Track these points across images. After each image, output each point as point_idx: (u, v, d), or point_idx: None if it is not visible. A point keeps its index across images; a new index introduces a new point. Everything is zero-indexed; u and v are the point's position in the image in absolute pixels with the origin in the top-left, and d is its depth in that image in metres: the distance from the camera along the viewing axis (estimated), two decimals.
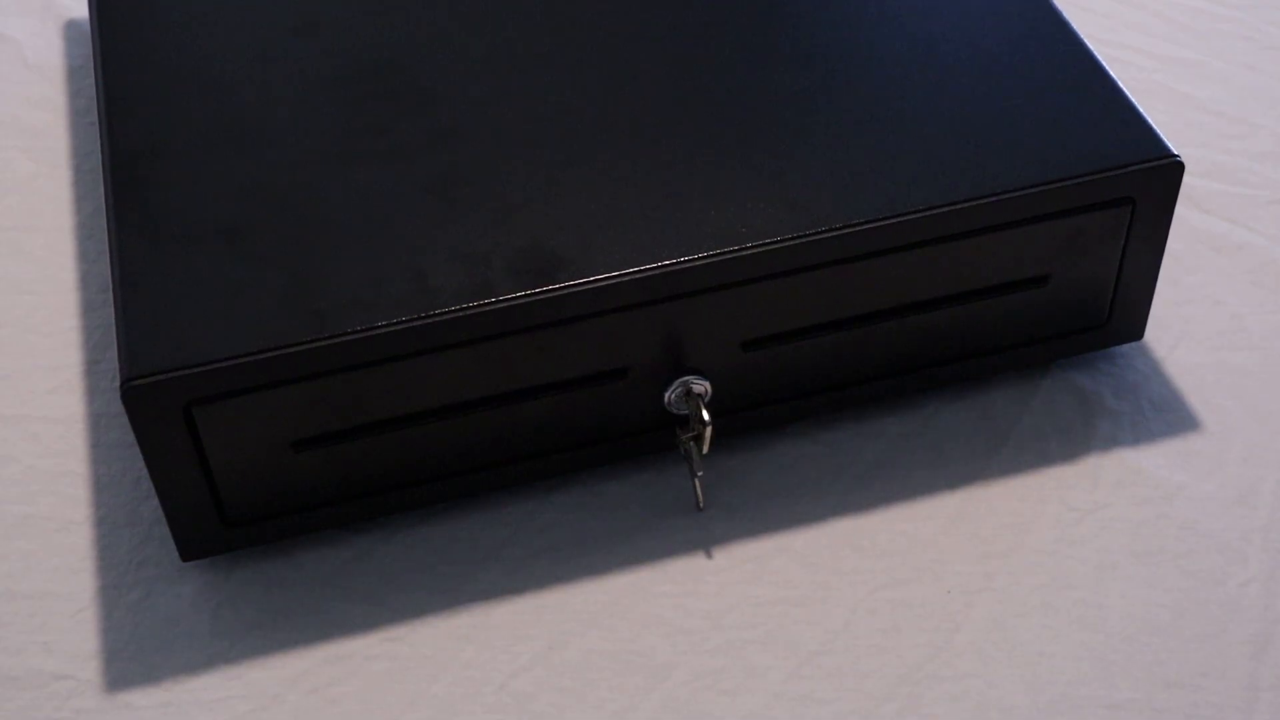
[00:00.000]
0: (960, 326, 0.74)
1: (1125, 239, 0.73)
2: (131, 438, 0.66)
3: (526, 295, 0.65)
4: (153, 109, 0.74)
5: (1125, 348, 0.80)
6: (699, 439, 0.71)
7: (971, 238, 0.70)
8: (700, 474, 0.72)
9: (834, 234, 0.68)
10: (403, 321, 0.65)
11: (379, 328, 0.64)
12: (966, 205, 0.69)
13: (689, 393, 0.71)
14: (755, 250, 0.67)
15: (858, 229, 0.68)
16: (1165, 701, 0.67)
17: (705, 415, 0.70)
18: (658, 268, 0.66)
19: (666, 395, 0.71)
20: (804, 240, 0.67)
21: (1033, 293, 0.74)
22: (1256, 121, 0.93)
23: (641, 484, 0.74)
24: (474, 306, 0.65)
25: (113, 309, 0.66)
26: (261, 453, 0.67)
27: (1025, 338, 0.76)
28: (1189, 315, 0.82)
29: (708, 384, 0.71)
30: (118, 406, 0.78)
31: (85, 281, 0.85)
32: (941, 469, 0.75)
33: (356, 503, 0.71)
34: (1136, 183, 0.71)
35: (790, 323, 0.71)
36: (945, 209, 0.68)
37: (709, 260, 0.67)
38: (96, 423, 0.78)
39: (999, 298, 0.73)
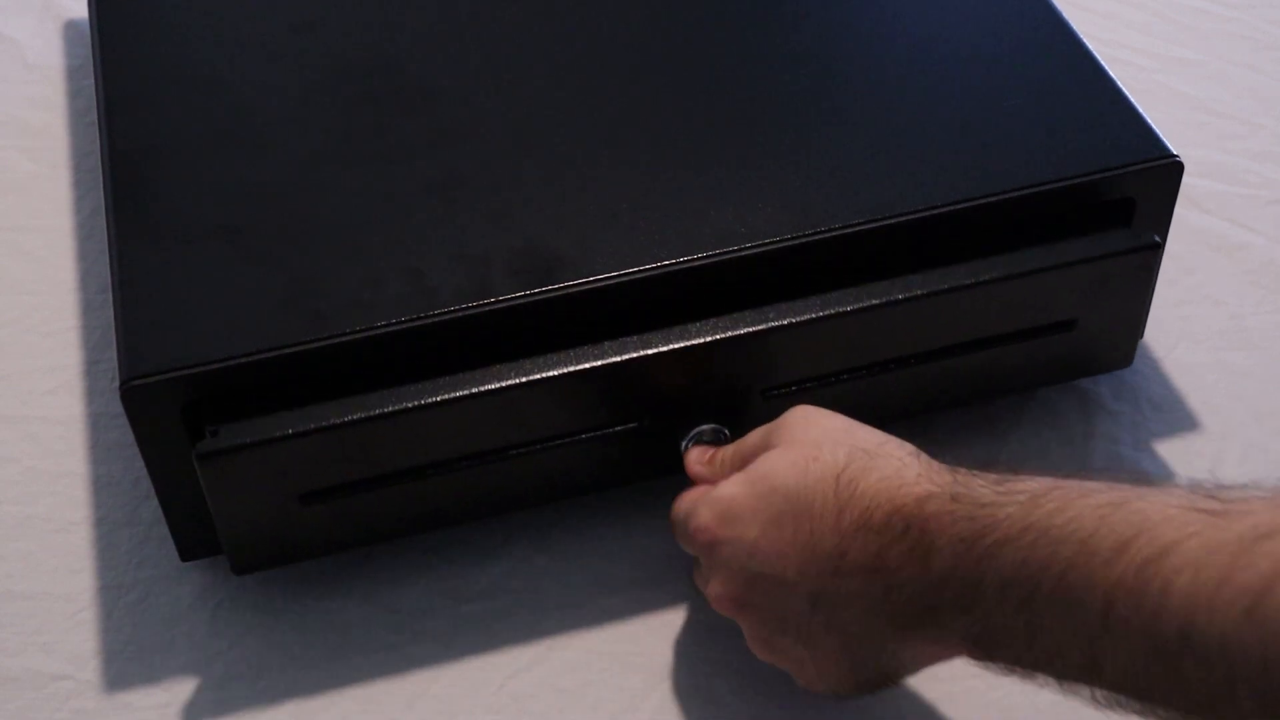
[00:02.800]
0: (987, 369, 0.72)
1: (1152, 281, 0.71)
2: (131, 438, 0.66)
3: (526, 295, 0.65)
4: (153, 109, 0.74)
5: None
6: None
7: (1000, 284, 0.68)
8: None
9: (834, 234, 0.68)
10: (402, 321, 0.65)
11: (379, 328, 0.64)
12: (967, 205, 0.69)
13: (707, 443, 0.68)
14: (755, 250, 0.67)
15: (857, 229, 0.68)
16: None
17: None
18: (657, 268, 0.66)
19: (684, 444, 0.68)
20: (804, 240, 0.67)
21: (1060, 336, 0.71)
22: (1256, 121, 0.93)
23: (647, 489, 0.74)
24: (474, 306, 0.65)
25: (112, 309, 0.66)
26: (269, 506, 0.65)
27: (1051, 376, 0.75)
28: (1189, 315, 0.82)
29: (727, 432, 0.69)
30: (118, 406, 0.77)
31: (85, 281, 0.85)
32: None
33: (366, 545, 0.70)
34: (1136, 183, 0.71)
35: (813, 370, 0.69)
36: (945, 209, 0.68)
37: (709, 260, 0.67)
38: (96, 423, 0.78)
39: (1026, 342, 0.71)
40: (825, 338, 0.67)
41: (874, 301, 0.67)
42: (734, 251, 0.67)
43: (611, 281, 0.66)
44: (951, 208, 0.69)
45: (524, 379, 0.64)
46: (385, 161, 0.71)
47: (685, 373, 0.67)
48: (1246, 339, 0.81)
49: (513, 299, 0.65)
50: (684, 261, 0.67)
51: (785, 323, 0.66)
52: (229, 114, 0.74)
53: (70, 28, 1.00)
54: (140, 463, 0.68)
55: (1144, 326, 0.75)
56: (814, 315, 0.66)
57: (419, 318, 0.65)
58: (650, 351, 0.65)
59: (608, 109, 0.73)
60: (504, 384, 0.64)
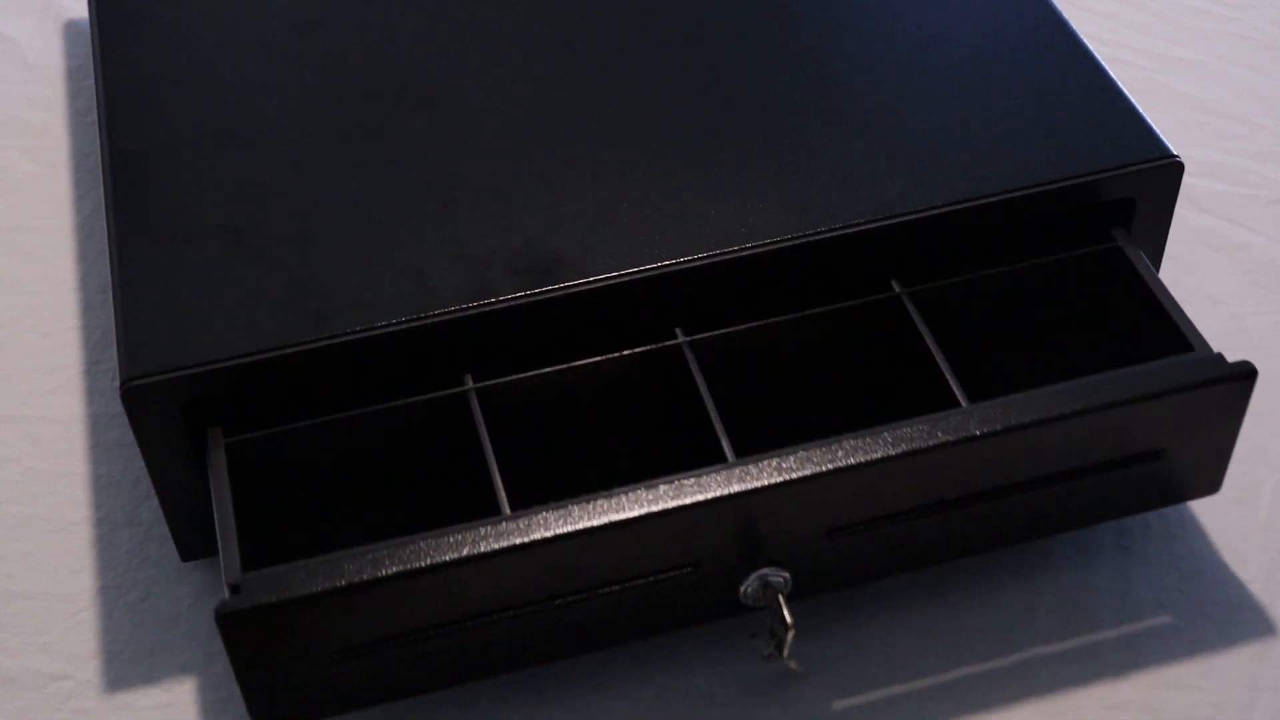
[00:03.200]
0: (1065, 502, 0.67)
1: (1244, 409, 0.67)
2: (131, 438, 0.66)
3: (526, 295, 0.65)
4: (153, 109, 0.74)
5: None
6: (780, 644, 0.64)
7: (1086, 416, 0.63)
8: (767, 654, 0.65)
9: (834, 234, 0.68)
10: (402, 321, 0.65)
11: (379, 328, 0.64)
12: (967, 205, 0.69)
13: (767, 585, 0.64)
14: (755, 250, 0.67)
15: (858, 229, 0.68)
16: (1165, 701, 0.67)
17: (787, 616, 0.63)
18: (657, 268, 0.66)
19: (742, 589, 0.64)
20: (804, 240, 0.67)
21: (1146, 466, 0.67)
22: (1256, 121, 0.93)
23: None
24: (474, 307, 0.65)
25: (113, 309, 0.66)
26: (295, 665, 0.60)
27: (1132, 507, 0.69)
28: (1189, 315, 0.82)
29: (787, 574, 0.64)
30: (118, 406, 0.78)
31: (85, 281, 0.85)
32: None
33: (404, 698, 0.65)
34: (1136, 183, 0.71)
35: (884, 508, 0.64)
36: (945, 209, 0.68)
37: (709, 260, 0.67)
38: (96, 423, 0.78)
39: (1109, 473, 0.66)
40: (897, 477, 0.63)
41: (948, 439, 0.62)
42: (734, 251, 0.67)
43: (611, 281, 0.66)
44: (951, 208, 0.69)
45: (571, 528, 0.59)
46: (385, 161, 0.71)
47: (746, 517, 0.62)
48: (1246, 339, 0.81)
49: (513, 299, 0.65)
50: (684, 261, 0.67)
51: (854, 462, 0.61)
52: (229, 114, 0.74)
53: (70, 28, 1.00)
54: (140, 463, 0.68)
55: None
56: (885, 454, 0.61)
57: (419, 318, 0.65)
58: (708, 496, 0.60)
59: (608, 109, 0.73)
60: (551, 534, 0.59)
